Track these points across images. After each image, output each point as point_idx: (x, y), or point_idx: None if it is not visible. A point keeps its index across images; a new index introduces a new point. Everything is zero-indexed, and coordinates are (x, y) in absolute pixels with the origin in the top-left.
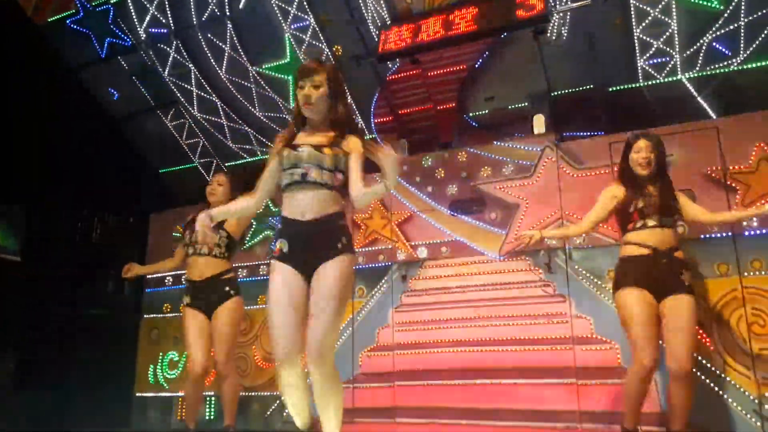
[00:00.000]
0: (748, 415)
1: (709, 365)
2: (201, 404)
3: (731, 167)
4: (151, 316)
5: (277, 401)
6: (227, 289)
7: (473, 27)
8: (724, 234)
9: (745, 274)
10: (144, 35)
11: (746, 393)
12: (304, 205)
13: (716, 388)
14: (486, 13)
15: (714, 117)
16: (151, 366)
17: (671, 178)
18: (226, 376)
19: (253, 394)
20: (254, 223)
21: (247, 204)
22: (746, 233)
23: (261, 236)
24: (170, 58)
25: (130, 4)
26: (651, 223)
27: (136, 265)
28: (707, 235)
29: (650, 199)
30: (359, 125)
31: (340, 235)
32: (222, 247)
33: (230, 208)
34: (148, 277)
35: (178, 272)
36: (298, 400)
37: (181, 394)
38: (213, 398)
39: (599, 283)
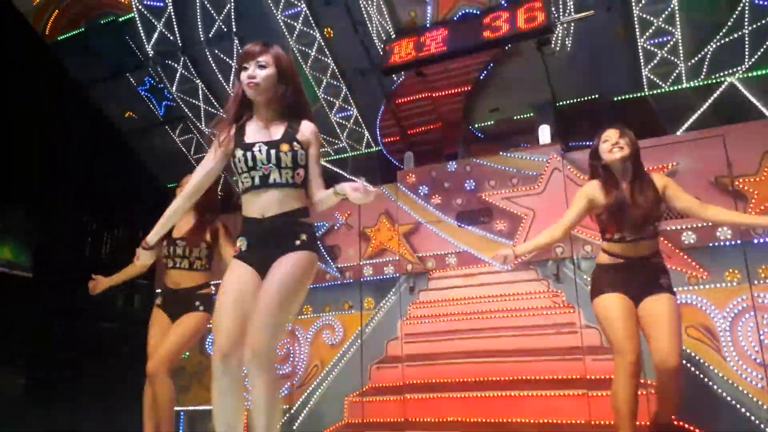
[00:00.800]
0: (762, 425)
1: (721, 374)
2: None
3: (738, 175)
4: None
5: (287, 415)
6: (197, 303)
7: (477, 39)
8: (734, 242)
9: (755, 282)
10: (152, 52)
11: (759, 402)
12: (265, 205)
13: (729, 398)
14: (489, 26)
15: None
16: None
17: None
18: (156, 379)
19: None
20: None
21: (176, 206)
22: (756, 241)
23: None
24: (178, 74)
25: (138, 21)
26: (628, 237)
27: (101, 278)
28: (716, 243)
29: (628, 210)
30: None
31: (300, 231)
32: (203, 259)
33: (163, 220)
34: (156, 291)
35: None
36: (224, 405)
37: (191, 408)
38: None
39: None
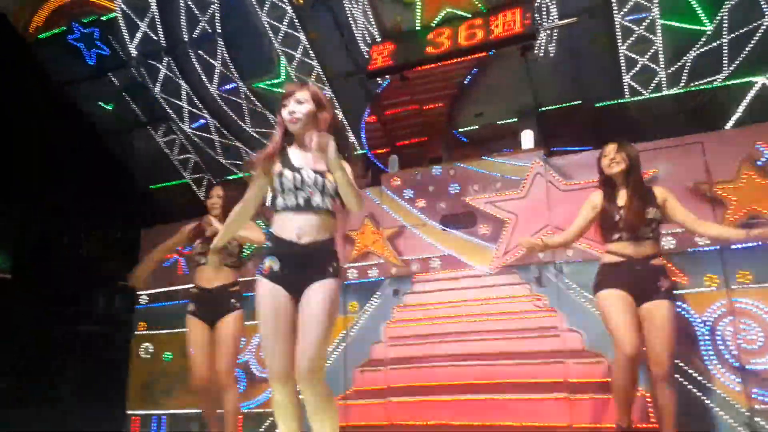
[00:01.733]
0: (740, 428)
1: (699, 378)
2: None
3: (716, 182)
4: (143, 332)
5: (270, 418)
6: (233, 301)
7: (462, 44)
8: (712, 247)
9: (733, 287)
10: (135, 52)
11: (737, 406)
12: (302, 229)
13: (707, 401)
14: (472, 31)
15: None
16: (142, 383)
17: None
18: (227, 387)
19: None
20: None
21: (238, 216)
22: (733, 246)
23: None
24: (161, 75)
25: (121, 21)
26: (626, 236)
27: (136, 271)
28: (695, 249)
29: (625, 213)
30: (349, 141)
31: (331, 260)
32: (234, 256)
33: (228, 227)
34: (139, 293)
35: (171, 288)
36: (288, 419)
37: (172, 411)
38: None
39: (590, 296)
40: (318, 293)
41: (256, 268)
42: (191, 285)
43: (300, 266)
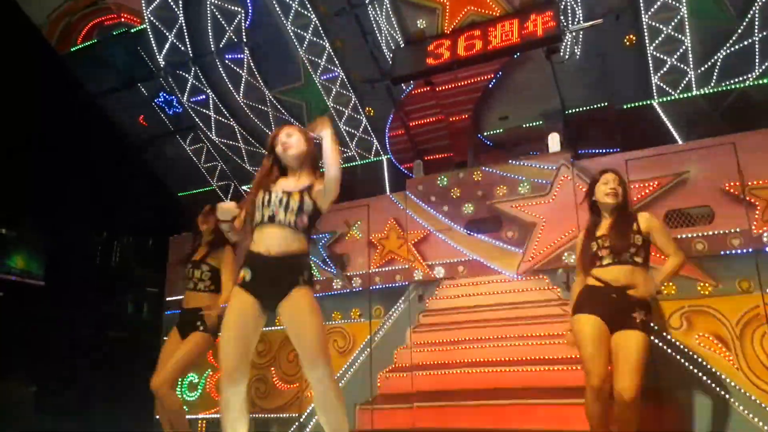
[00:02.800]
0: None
1: (732, 383)
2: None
3: (749, 183)
4: None
5: (296, 423)
6: (198, 323)
7: (485, 48)
8: (746, 250)
9: None
10: (163, 62)
11: (767, 408)
12: (270, 242)
13: (740, 406)
14: (499, 34)
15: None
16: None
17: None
18: (164, 393)
19: (271, 416)
20: None
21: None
22: None
23: None
24: (189, 84)
25: (149, 32)
26: (606, 261)
27: (211, 309)
28: (728, 251)
29: (606, 239)
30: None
31: (302, 269)
32: (206, 281)
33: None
34: (167, 299)
35: None
36: (235, 421)
37: (201, 416)
38: None
39: None
40: (298, 304)
41: None
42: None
43: (271, 276)
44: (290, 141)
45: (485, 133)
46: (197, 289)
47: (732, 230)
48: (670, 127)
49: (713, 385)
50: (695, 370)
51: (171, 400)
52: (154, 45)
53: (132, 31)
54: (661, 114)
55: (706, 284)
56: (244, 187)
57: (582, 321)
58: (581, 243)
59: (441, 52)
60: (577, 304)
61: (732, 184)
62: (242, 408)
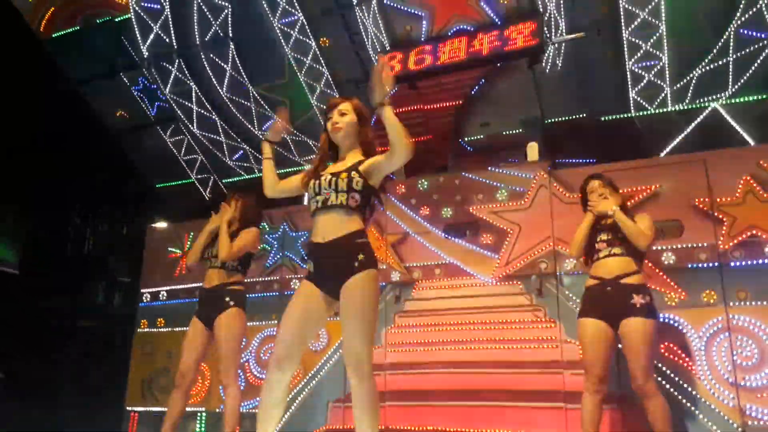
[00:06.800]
0: None
1: (693, 392)
2: (180, 416)
3: (718, 199)
4: (145, 330)
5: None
6: (227, 299)
7: (470, 55)
8: (711, 264)
9: (731, 303)
10: (147, 53)
11: (730, 421)
12: (324, 229)
13: (701, 415)
14: (483, 43)
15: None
16: (143, 380)
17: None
18: (227, 386)
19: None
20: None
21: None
22: (732, 264)
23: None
24: (172, 76)
25: (134, 22)
26: (601, 255)
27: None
28: (695, 264)
29: (599, 234)
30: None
31: (357, 252)
32: (235, 260)
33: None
34: (142, 291)
35: (173, 287)
36: (270, 404)
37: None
38: (204, 414)
39: None
40: (352, 291)
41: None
42: (195, 285)
43: (327, 264)
44: (342, 121)
45: (466, 139)
46: (223, 267)
47: (699, 244)
48: (646, 140)
49: (676, 394)
50: (661, 380)
51: (234, 395)
52: (138, 35)
53: (116, 20)
54: (638, 127)
55: (673, 295)
56: (224, 181)
57: (582, 325)
58: (585, 228)
59: (425, 57)
60: (581, 309)
61: (701, 200)
62: (283, 397)
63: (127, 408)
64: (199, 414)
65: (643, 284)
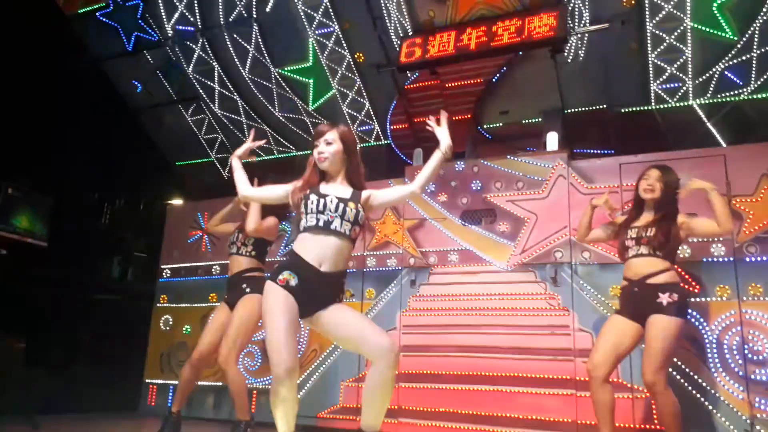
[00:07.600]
0: None
1: (704, 384)
2: (190, 390)
3: (736, 195)
4: (164, 305)
5: None
6: (244, 286)
7: (492, 43)
8: (726, 259)
9: (744, 298)
10: (171, 32)
11: (739, 413)
12: (323, 254)
13: (710, 407)
14: (506, 30)
15: (723, 145)
16: (161, 354)
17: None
18: (225, 370)
19: (260, 386)
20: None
21: (243, 191)
22: (747, 259)
23: None
24: (195, 55)
25: (160, 0)
26: (630, 253)
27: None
28: (709, 259)
29: (635, 231)
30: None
31: (341, 290)
32: (248, 245)
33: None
34: (162, 267)
35: (192, 264)
36: (288, 413)
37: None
38: (221, 389)
39: (602, 298)
40: (338, 307)
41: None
42: (213, 263)
43: (315, 291)
44: (328, 150)
45: (485, 126)
46: (240, 254)
47: (715, 239)
48: (666, 134)
49: (687, 385)
50: (671, 371)
51: (231, 378)
52: (163, 13)
53: None
54: (658, 120)
55: (688, 288)
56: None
57: (610, 318)
58: (609, 227)
59: (447, 43)
60: (618, 308)
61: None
62: (296, 399)
63: (146, 380)
64: (216, 389)
65: (671, 282)
